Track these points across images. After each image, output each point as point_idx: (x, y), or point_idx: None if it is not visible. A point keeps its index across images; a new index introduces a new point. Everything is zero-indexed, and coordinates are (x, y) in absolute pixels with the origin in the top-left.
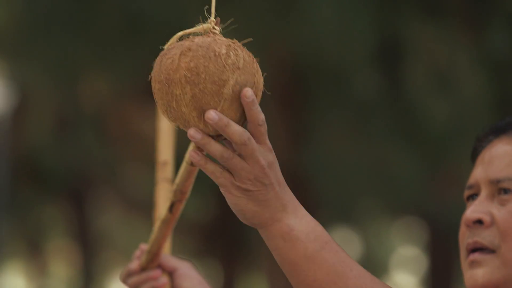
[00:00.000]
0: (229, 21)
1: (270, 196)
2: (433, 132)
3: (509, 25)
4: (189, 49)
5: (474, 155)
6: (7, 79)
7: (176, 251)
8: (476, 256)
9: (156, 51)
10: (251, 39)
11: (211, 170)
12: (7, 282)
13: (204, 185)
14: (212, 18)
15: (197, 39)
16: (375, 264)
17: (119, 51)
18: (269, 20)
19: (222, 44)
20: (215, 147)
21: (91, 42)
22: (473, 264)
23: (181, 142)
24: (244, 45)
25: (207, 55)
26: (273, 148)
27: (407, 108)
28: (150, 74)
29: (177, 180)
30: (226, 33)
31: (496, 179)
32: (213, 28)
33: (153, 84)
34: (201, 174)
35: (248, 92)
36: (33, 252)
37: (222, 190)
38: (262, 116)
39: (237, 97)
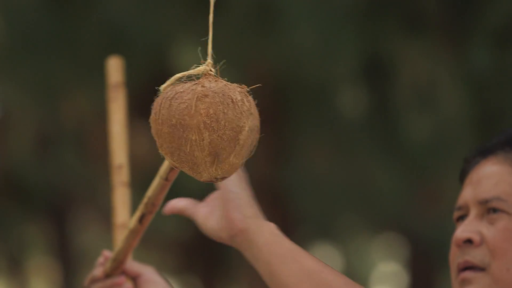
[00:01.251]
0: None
1: None
2: (414, 149)
3: (491, 41)
4: (205, 95)
5: (462, 177)
6: None
7: (157, 268)
8: (466, 274)
9: (136, 68)
10: (226, 60)
11: None
12: None
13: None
14: (209, 60)
15: (207, 84)
16: (355, 280)
17: (100, 69)
18: (250, 36)
19: (235, 90)
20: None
21: (72, 60)
22: (464, 282)
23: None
24: (224, 63)
25: (225, 102)
26: (254, 164)
27: (388, 124)
28: (153, 114)
29: (150, 193)
30: (205, 49)
31: (485, 199)
32: (210, 70)
33: (157, 127)
34: (182, 190)
35: None
36: (14, 269)
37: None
38: None
39: (247, 142)
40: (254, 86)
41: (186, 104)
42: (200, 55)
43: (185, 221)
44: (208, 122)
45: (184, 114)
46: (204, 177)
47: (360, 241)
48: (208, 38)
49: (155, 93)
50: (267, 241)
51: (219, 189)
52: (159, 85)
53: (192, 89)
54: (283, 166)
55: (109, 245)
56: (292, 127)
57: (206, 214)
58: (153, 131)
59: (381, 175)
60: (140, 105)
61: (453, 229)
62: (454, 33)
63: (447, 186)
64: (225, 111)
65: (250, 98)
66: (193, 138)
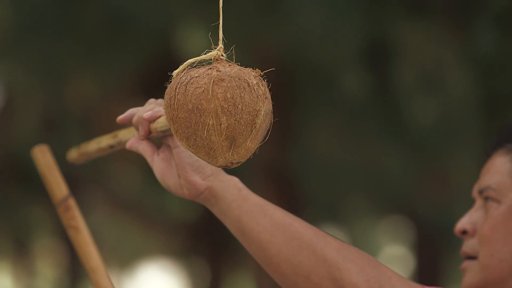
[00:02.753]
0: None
1: None
2: (421, 131)
3: (496, 24)
4: (222, 80)
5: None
6: None
7: (163, 250)
8: (464, 264)
9: (141, 51)
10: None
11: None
12: None
13: None
14: (221, 45)
15: (222, 68)
16: None
17: (106, 51)
18: (255, 19)
19: (250, 74)
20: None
21: (78, 43)
22: (463, 272)
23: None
24: (231, 46)
25: (241, 86)
26: (261, 147)
27: (395, 107)
28: (168, 100)
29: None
30: (213, 34)
31: (480, 189)
32: (222, 55)
33: (173, 112)
34: None
35: None
36: (20, 252)
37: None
38: None
39: (262, 126)
40: (268, 70)
41: (203, 88)
42: (210, 40)
43: (191, 204)
44: (226, 106)
45: (201, 99)
46: (220, 162)
47: (366, 223)
48: (218, 23)
49: (160, 75)
50: (234, 197)
51: (168, 146)
52: (165, 68)
53: (208, 74)
54: (289, 148)
55: (115, 227)
56: (298, 109)
57: (163, 170)
58: (167, 116)
59: (387, 157)
60: (144, 88)
61: (460, 212)
62: (459, 15)
63: (454, 168)
64: (242, 95)
65: (264, 82)
66: (211, 122)
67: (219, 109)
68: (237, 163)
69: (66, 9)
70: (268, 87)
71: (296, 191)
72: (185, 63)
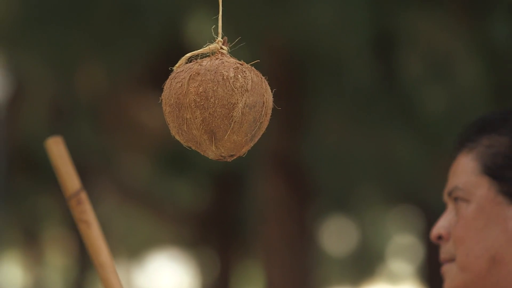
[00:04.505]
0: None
1: None
2: (431, 120)
3: (507, 13)
4: (198, 73)
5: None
6: (2, 69)
7: (172, 240)
8: (443, 269)
9: (151, 41)
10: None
11: None
12: (3, 271)
13: (200, 173)
14: (219, 38)
15: (205, 62)
16: (371, 252)
17: (115, 42)
18: (265, 9)
19: (230, 67)
20: None
21: (87, 33)
22: (443, 276)
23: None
24: (240, 36)
25: (215, 79)
26: (270, 136)
27: (405, 96)
28: (160, 96)
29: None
30: (223, 25)
31: (449, 191)
32: (221, 48)
33: (163, 107)
34: (198, 162)
35: None
36: (30, 241)
37: None
38: None
39: (247, 119)
40: (253, 62)
41: (181, 83)
42: (213, 32)
43: (201, 193)
44: (198, 100)
45: (179, 93)
46: (210, 155)
47: (376, 213)
48: (217, 16)
49: (169, 65)
50: None
51: None
52: (174, 58)
53: (190, 68)
54: (299, 138)
55: (125, 216)
56: (308, 99)
57: None
58: (163, 112)
59: (397, 147)
60: (154, 78)
61: None
62: (470, 4)
63: None
64: (215, 88)
65: (251, 74)
66: (188, 116)
67: (193, 103)
68: (230, 156)
69: None
70: (266, 78)
71: (306, 181)
72: (183, 58)
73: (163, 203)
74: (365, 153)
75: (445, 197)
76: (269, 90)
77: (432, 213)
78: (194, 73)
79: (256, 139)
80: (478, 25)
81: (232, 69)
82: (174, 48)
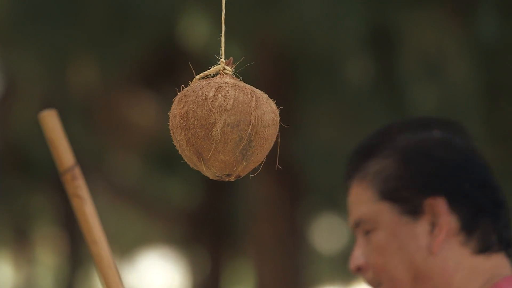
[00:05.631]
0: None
1: None
2: None
3: (497, 10)
4: (185, 95)
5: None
6: None
7: (163, 238)
8: None
9: (144, 38)
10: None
11: None
12: None
13: (191, 172)
14: (223, 59)
15: (198, 83)
16: None
17: (108, 39)
18: (256, 7)
19: (213, 86)
20: None
21: (80, 30)
22: None
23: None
24: (232, 34)
25: (196, 100)
26: None
27: (397, 94)
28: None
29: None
30: (217, 23)
31: (354, 224)
32: (224, 68)
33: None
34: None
35: None
36: (21, 240)
37: None
38: None
39: (231, 138)
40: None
41: (173, 105)
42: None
43: (192, 192)
44: (182, 121)
45: (171, 116)
46: (207, 174)
47: None
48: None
49: (162, 63)
50: None
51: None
52: (167, 56)
53: (186, 90)
54: (291, 136)
55: (116, 215)
56: (299, 97)
57: None
58: None
59: None
60: (146, 77)
61: None
62: (461, 2)
63: None
64: (194, 109)
65: (235, 93)
66: (178, 138)
67: (179, 125)
68: (227, 176)
69: None
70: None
71: (297, 179)
72: (194, 79)
73: (155, 202)
74: None
75: (352, 228)
76: (264, 109)
77: None
78: (183, 95)
79: (255, 158)
80: (468, 23)
81: (214, 89)
82: (167, 47)
